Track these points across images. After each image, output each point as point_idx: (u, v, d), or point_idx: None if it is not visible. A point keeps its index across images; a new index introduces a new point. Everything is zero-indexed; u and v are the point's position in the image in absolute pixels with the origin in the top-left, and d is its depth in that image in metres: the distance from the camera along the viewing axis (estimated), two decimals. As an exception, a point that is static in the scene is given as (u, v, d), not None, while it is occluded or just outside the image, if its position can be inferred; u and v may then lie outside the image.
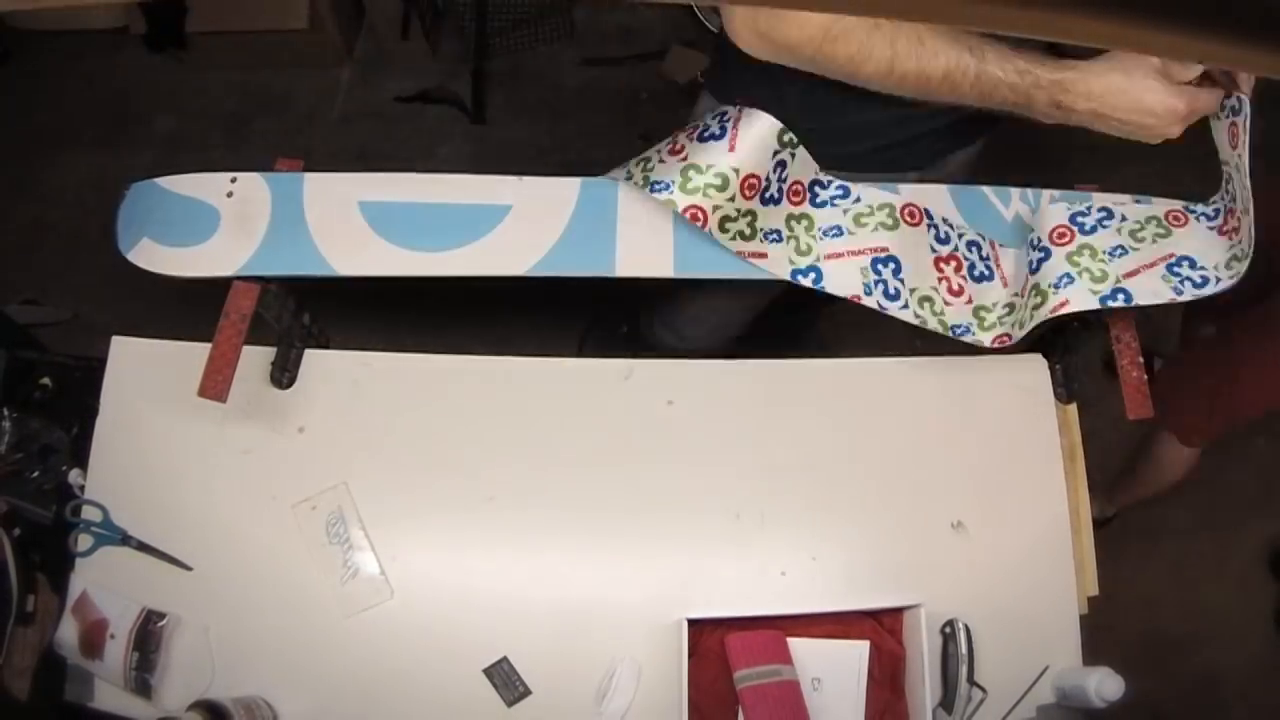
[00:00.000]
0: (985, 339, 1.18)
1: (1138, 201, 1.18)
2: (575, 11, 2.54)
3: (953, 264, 1.20)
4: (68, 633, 1.12)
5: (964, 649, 1.13)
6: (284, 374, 1.22)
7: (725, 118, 1.13)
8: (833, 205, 1.19)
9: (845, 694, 1.13)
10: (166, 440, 1.20)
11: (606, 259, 1.16)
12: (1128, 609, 1.86)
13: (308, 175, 1.18)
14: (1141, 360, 1.17)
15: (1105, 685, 1.06)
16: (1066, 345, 1.27)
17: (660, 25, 2.59)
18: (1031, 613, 1.19)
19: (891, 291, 1.17)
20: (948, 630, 1.15)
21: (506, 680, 1.12)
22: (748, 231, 1.15)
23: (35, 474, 1.22)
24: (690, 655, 1.10)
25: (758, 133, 1.12)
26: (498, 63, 2.49)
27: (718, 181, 1.10)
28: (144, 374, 1.23)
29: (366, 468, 1.20)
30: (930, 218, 1.20)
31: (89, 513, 1.17)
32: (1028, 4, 0.51)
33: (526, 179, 1.19)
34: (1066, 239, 1.13)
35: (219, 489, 1.19)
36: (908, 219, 1.18)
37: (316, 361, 1.25)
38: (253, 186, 1.17)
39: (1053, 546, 1.21)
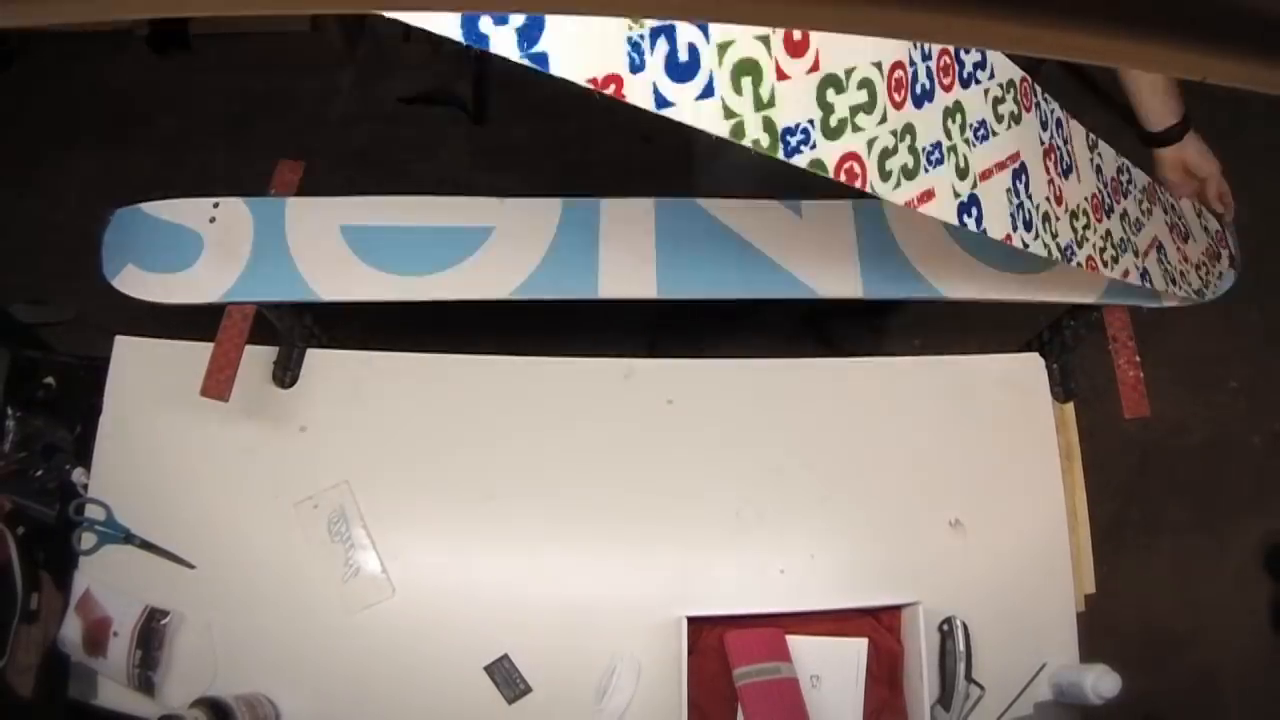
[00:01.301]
0: (1083, 259, 0.98)
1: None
2: (575, 13, 2.54)
3: (1052, 157, 0.97)
4: (71, 630, 1.13)
5: (962, 646, 1.14)
6: (286, 373, 1.23)
7: None
8: (976, 82, 0.91)
9: (844, 691, 1.14)
10: (169, 439, 1.21)
11: (589, 281, 1.16)
12: (1125, 607, 1.87)
13: (289, 200, 1.19)
14: (1138, 359, 1.17)
15: (1102, 682, 1.07)
16: (1064, 344, 1.27)
17: (660, 26, 2.60)
18: (1029, 610, 1.19)
19: (1026, 217, 0.93)
20: (945, 628, 1.15)
21: (507, 677, 1.13)
22: (911, 163, 0.84)
23: (39, 472, 1.22)
24: (690, 652, 1.10)
25: None
26: (499, 64, 2.49)
27: (864, 97, 0.78)
28: (147, 373, 1.24)
29: (368, 466, 1.21)
30: (1035, 94, 0.96)
31: (92, 511, 1.18)
32: (1026, 20, 0.51)
33: (508, 200, 1.19)
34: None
35: (221, 487, 1.20)
36: (1024, 102, 0.94)
37: (318, 361, 1.25)
38: (235, 212, 1.18)
39: (1050, 544, 1.22)
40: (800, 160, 0.75)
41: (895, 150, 0.81)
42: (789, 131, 0.74)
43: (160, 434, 1.21)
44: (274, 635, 1.15)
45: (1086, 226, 0.98)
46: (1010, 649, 1.17)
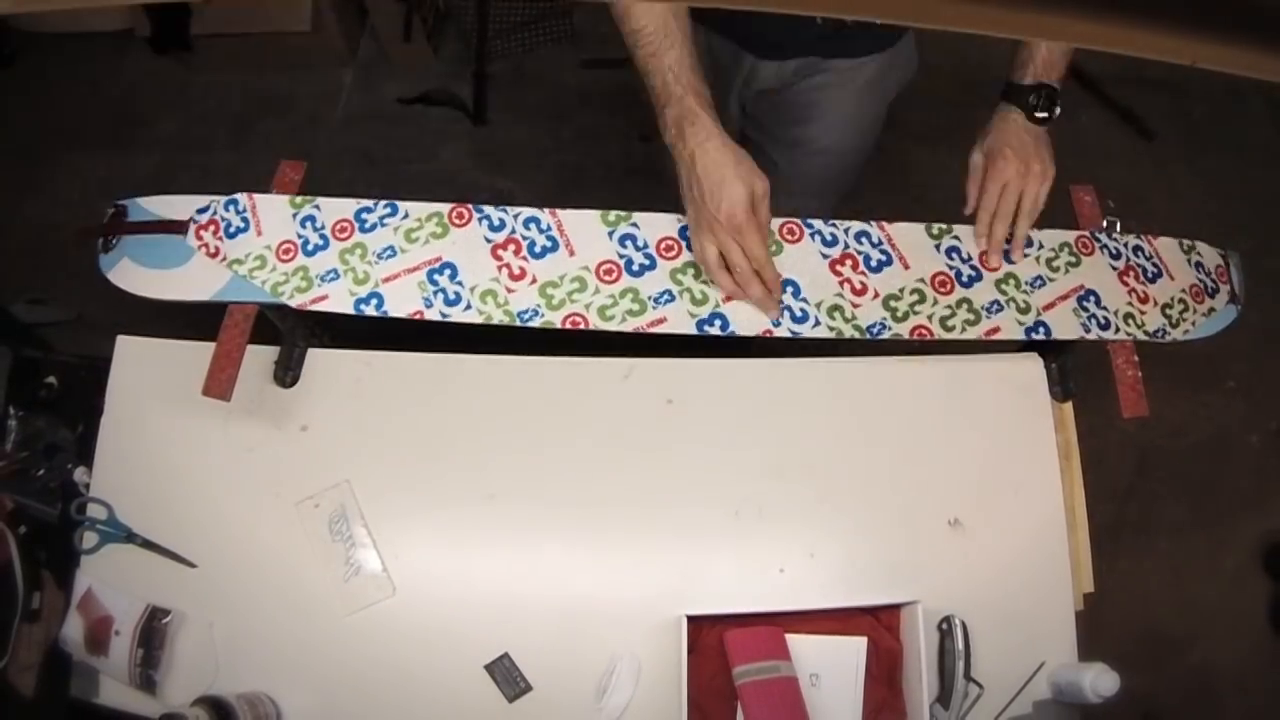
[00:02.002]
0: (903, 331, 1.17)
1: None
2: (575, 14, 2.55)
3: (848, 263, 1.19)
4: (73, 629, 1.13)
5: (961, 645, 1.14)
6: (287, 373, 1.24)
7: (544, 226, 1.18)
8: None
9: (843, 690, 1.14)
10: (171, 438, 1.22)
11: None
12: (1123, 606, 1.88)
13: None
14: (1136, 359, 1.18)
15: (1101, 681, 1.07)
16: (1062, 344, 1.28)
17: (660, 27, 2.60)
18: (1027, 609, 1.19)
19: (799, 314, 1.16)
20: (944, 627, 1.16)
21: (507, 676, 1.13)
22: (636, 308, 1.15)
23: (41, 472, 1.23)
24: (690, 651, 1.11)
25: (583, 227, 1.17)
26: (499, 65, 2.50)
27: (576, 285, 1.16)
28: (148, 373, 1.24)
29: (369, 465, 1.21)
30: (809, 226, 1.20)
31: (94, 510, 1.18)
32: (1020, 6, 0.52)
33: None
34: (994, 266, 1.22)
35: (223, 487, 1.20)
36: (787, 237, 1.20)
37: (319, 360, 1.26)
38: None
39: (1049, 543, 1.22)
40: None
41: (614, 304, 1.15)
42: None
43: (162, 433, 1.22)
44: (275, 634, 1.15)
45: (919, 301, 1.18)
46: (1009, 648, 1.17)
